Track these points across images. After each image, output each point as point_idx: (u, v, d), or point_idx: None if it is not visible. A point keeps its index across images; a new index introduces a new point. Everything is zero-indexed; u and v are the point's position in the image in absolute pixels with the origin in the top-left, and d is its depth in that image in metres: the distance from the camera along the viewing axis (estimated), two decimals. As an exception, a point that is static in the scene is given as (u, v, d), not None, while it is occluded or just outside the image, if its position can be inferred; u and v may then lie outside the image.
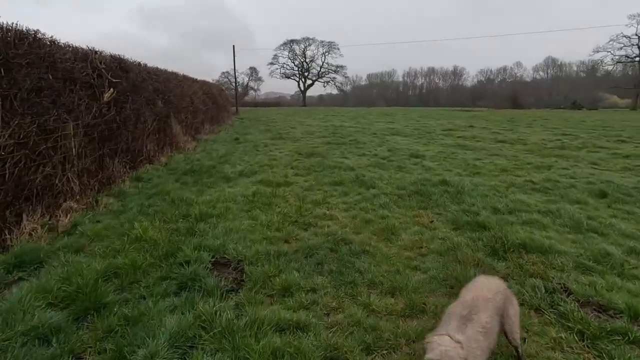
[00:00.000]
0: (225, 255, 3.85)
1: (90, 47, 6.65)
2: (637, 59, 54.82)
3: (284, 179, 7.49)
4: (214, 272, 3.52)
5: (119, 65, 7.57)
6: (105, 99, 6.60)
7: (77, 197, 5.36)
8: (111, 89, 6.80)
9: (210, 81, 21.93)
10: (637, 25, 52.90)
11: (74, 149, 5.44)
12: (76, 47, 6.20)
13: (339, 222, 4.90)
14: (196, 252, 3.79)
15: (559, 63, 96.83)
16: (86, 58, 6.30)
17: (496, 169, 8.57)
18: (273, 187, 6.82)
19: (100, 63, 6.65)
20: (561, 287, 3.24)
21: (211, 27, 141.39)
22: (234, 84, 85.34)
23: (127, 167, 7.39)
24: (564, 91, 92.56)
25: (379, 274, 3.49)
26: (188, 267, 3.49)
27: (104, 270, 3.38)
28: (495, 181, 7.25)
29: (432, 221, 4.97)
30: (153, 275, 3.41)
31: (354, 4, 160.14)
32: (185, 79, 14.11)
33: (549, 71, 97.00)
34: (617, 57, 56.24)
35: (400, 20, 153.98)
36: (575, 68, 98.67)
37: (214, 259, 3.76)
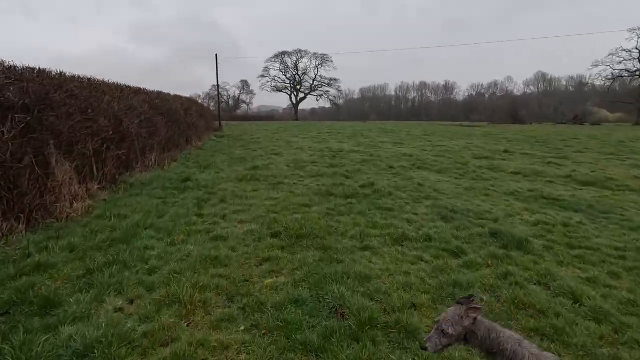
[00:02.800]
0: None
1: None
2: (638, 73, 51.01)
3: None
4: None
5: None
6: None
7: None
8: None
9: (182, 95, 16.49)
10: (638, 39, 49.21)
11: None
12: None
13: None
14: None
15: (549, 77, 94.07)
16: None
17: None
18: None
19: None
20: None
21: (203, 43, 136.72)
22: (222, 97, 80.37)
23: None
24: (554, 105, 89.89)
25: None
26: None
27: None
28: None
29: None
30: None
31: (346, 19, 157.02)
32: (106, 86, 8.78)
33: (539, 85, 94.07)
34: (616, 71, 52.39)
35: (392, 36, 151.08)
36: (564, 82, 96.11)
37: None
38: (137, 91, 11.16)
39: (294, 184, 8.15)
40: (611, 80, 54.26)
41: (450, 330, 1.82)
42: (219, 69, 33.86)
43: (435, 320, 1.94)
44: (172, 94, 15.70)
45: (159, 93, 13.34)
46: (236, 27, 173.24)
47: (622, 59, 51.15)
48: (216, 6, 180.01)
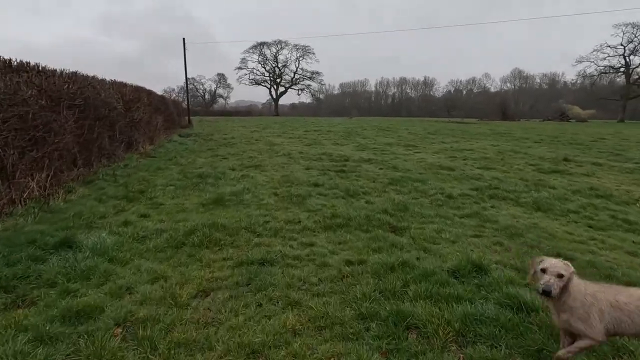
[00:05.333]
0: None
1: None
2: (622, 69, 49.09)
3: None
4: None
5: None
6: None
7: None
8: None
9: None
10: (623, 35, 47.13)
11: None
12: None
13: None
14: None
15: (525, 75, 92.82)
16: None
17: None
18: None
19: None
20: None
21: (178, 35, 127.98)
22: (197, 91, 73.72)
23: None
24: (529, 102, 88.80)
25: None
26: None
27: None
28: None
29: None
30: None
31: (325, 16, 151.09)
32: None
33: (515, 82, 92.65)
34: (600, 67, 50.33)
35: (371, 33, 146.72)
36: (538, 80, 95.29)
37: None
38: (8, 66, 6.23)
39: (295, 261, 3.60)
40: (595, 77, 52.18)
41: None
42: (187, 57, 28.47)
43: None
44: (120, 81, 10.68)
45: (73, 74, 8.35)
46: (212, 19, 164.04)
47: (606, 55, 49.08)
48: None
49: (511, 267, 3.40)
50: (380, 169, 8.88)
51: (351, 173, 8.13)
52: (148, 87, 15.58)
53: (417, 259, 3.53)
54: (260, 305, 2.76)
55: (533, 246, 3.96)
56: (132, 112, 11.51)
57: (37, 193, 5.77)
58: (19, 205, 5.25)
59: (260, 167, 8.94)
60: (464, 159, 10.66)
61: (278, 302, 2.80)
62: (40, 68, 7.26)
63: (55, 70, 7.95)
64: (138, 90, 13.19)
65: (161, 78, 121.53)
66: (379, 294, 2.88)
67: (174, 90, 60.47)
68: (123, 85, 11.91)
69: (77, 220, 4.71)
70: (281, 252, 3.69)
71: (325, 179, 7.34)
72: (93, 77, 9.54)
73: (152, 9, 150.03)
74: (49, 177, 6.16)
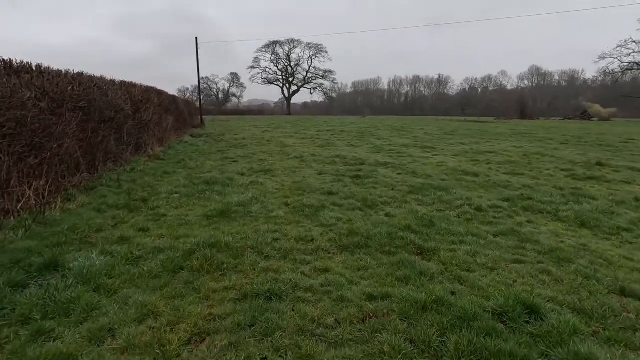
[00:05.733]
0: None
1: None
2: (648, 65, 46.83)
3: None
4: None
5: None
6: None
7: None
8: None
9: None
10: (649, 29, 44.82)
11: None
12: None
13: None
14: None
15: (543, 72, 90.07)
16: None
17: None
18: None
19: None
20: None
21: (192, 35, 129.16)
22: (211, 90, 73.92)
23: None
24: (547, 99, 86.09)
25: None
26: None
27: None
28: None
29: None
30: None
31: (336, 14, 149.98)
32: None
33: (533, 80, 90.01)
34: (624, 64, 48.16)
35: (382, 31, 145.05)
36: (557, 77, 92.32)
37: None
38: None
39: (307, 294, 3.06)
40: (618, 74, 49.97)
41: None
42: (201, 56, 28.25)
43: None
44: (125, 81, 10.37)
45: (78, 75, 8.02)
46: (227, 21, 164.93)
47: (631, 51, 46.91)
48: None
49: (569, 307, 2.80)
50: (399, 174, 8.28)
51: (367, 179, 7.56)
52: (164, 87, 15.36)
53: (452, 293, 2.96)
54: (265, 359, 2.25)
55: (588, 277, 3.33)
56: (141, 113, 11.19)
57: (34, 202, 5.41)
58: (12, 216, 4.88)
59: (271, 171, 8.45)
60: (488, 163, 9.95)
61: (286, 355, 2.28)
62: (42, 69, 6.93)
63: (61, 71, 7.64)
64: (148, 90, 12.86)
65: (176, 78, 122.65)
66: (411, 345, 2.33)
67: (188, 89, 60.73)
68: (132, 85, 11.59)
69: (70, 235, 4.29)
70: (291, 280, 3.17)
71: (340, 187, 6.79)
72: (100, 78, 9.22)
73: (167, 9, 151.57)
74: (48, 185, 5.80)
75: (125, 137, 9.74)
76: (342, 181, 7.34)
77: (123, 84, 10.85)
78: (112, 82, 10.13)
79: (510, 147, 14.04)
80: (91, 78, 8.60)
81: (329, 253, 3.83)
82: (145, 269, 3.38)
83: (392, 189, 6.67)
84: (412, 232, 4.34)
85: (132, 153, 10.13)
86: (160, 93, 14.72)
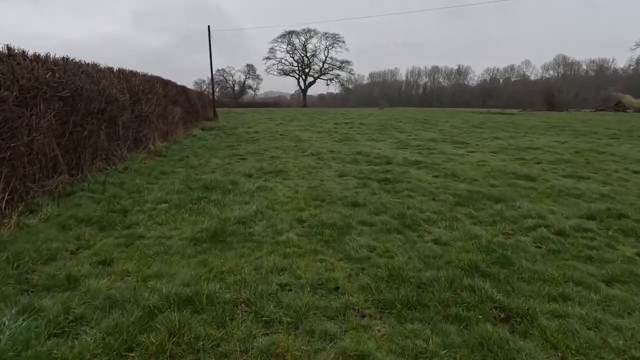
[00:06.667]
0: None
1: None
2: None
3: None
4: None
5: None
6: None
7: None
8: None
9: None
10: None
11: None
12: None
13: None
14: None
15: (570, 61, 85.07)
16: None
17: None
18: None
19: None
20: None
21: (206, 27, 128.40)
22: (226, 82, 72.93)
23: None
24: (574, 90, 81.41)
25: None
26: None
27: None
28: None
29: None
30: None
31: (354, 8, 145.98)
32: None
33: (559, 69, 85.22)
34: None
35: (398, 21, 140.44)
36: (584, 66, 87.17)
37: None
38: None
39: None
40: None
41: None
42: (216, 48, 27.03)
43: None
44: (119, 68, 9.19)
45: (64, 60, 6.83)
46: (243, 12, 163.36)
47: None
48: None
49: None
50: (435, 176, 6.81)
51: (399, 184, 6.13)
52: (182, 81, 14.21)
53: None
54: None
55: None
56: (141, 104, 10.02)
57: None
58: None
59: (283, 172, 7.12)
60: (538, 163, 8.34)
61: None
62: (11, 51, 5.75)
63: (39, 55, 6.45)
64: (151, 80, 11.67)
65: (193, 70, 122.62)
66: None
67: (204, 81, 59.85)
68: (133, 74, 10.39)
69: (5, 269, 3.09)
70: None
71: (367, 194, 5.40)
72: (91, 65, 8.04)
73: (187, 2, 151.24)
74: (6, 193, 4.65)
75: (121, 131, 8.59)
76: (368, 186, 5.94)
77: (122, 72, 9.66)
78: (109, 69, 8.98)
79: (554, 142, 12.27)
80: (79, 64, 7.40)
81: (363, 316, 2.47)
82: (75, 349, 2.11)
83: (434, 199, 5.24)
84: (482, 276, 2.93)
85: (130, 149, 8.99)
86: (166, 83, 13.53)
